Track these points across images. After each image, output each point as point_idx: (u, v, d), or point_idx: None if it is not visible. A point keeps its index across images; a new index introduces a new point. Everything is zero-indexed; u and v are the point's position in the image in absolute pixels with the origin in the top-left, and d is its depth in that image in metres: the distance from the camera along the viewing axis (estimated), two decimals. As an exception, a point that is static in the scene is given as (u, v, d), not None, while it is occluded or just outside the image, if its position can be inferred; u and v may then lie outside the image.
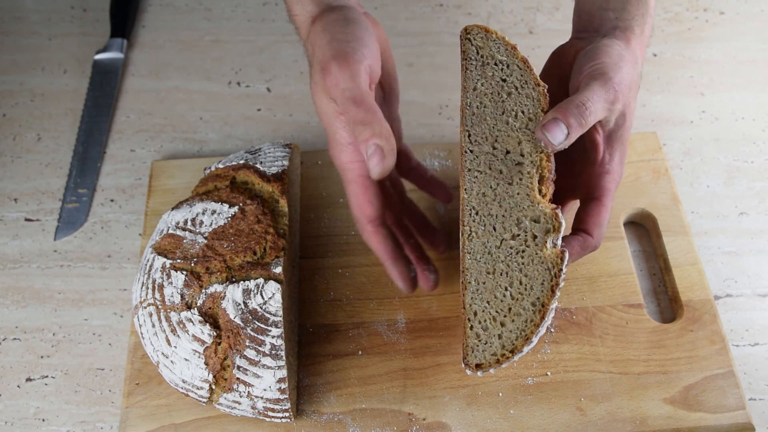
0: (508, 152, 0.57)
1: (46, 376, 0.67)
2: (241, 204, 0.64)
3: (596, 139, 0.60)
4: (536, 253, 0.55)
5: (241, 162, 0.68)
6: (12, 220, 0.76)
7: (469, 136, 0.57)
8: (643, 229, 0.76)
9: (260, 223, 0.63)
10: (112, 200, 0.78)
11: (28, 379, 0.67)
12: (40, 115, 0.84)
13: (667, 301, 0.71)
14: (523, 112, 0.58)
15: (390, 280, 0.70)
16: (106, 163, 0.80)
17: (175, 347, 0.59)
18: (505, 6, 0.94)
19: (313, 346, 0.67)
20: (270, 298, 0.58)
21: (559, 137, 0.55)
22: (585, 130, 0.55)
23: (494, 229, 0.56)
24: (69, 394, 0.66)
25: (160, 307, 0.60)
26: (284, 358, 0.57)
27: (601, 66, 0.57)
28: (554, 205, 0.57)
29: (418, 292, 0.69)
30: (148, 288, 0.61)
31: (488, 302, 0.55)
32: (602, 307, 0.69)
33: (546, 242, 0.56)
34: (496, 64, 0.60)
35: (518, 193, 0.56)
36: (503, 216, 0.56)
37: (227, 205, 0.64)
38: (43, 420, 0.65)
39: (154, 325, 0.60)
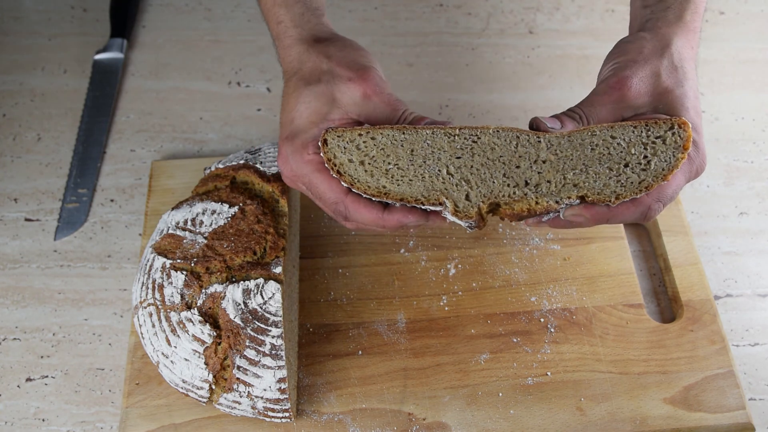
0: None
1: (46, 376, 0.67)
2: (241, 204, 0.64)
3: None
4: None
5: (241, 162, 0.68)
6: (12, 220, 0.76)
7: None
8: (643, 229, 0.76)
9: (260, 223, 0.63)
10: (112, 200, 0.78)
11: (28, 379, 0.67)
12: (40, 115, 0.84)
13: (667, 301, 0.71)
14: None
15: (390, 280, 0.70)
16: (106, 163, 0.80)
17: (175, 347, 0.59)
18: (505, 6, 0.94)
19: (313, 346, 0.67)
20: (270, 298, 0.58)
21: (554, 125, 0.55)
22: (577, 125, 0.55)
23: None
24: (69, 394, 0.66)
25: (160, 307, 0.60)
26: (284, 358, 0.57)
27: (613, 67, 0.56)
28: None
29: (418, 292, 0.69)
30: (148, 288, 0.61)
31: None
32: (602, 307, 0.69)
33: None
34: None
35: None
36: None
37: (227, 205, 0.64)
38: (43, 420, 0.65)
39: (154, 325, 0.60)
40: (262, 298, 0.58)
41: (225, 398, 0.59)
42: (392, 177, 0.54)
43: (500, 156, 0.54)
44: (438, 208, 0.54)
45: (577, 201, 0.53)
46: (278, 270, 0.60)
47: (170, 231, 0.64)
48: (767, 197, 0.78)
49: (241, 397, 0.58)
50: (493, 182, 0.54)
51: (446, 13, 0.94)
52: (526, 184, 0.53)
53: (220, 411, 0.62)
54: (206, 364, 0.58)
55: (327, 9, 0.64)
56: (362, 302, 0.69)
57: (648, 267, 0.73)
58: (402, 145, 0.54)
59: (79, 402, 0.66)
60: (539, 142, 0.53)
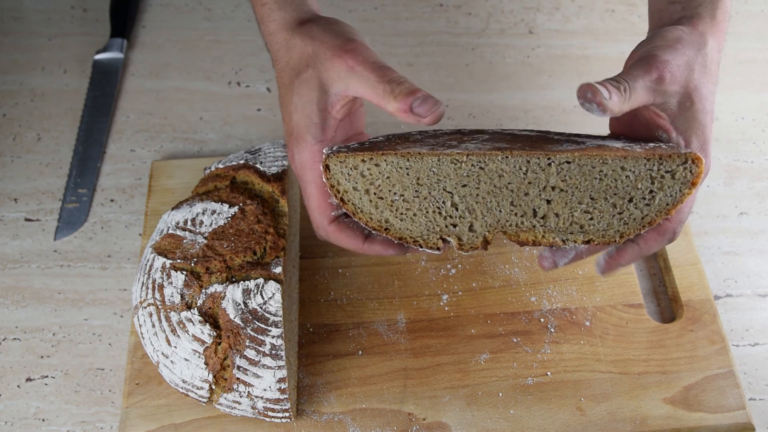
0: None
1: (46, 376, 0.67)
2: (241, 204, 0.64)
3: (662, 123, 0.54)
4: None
5: (241, 162, 0.68)
6: (12, 220, 0.76)
7: None
8: (643, 229, 0.76)
9: (260, 223, 0.63)
10: (112, 200, 0.78)
11: (28, 379, 0.67)
12: (40, 115, 0.84)
13: (667, 301, 0.71)
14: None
15: (390, 280, 0.70)
16: (106, 163, 0.80)
17: (175, 347, 0.59)
18: (505, 6, 0.94)
19: (313, 346, 0.67)
20: (270, 298, 0.58)
21: (602, 95, 0.49)
22: (627, 102, 0.50)
23: None
24: (69, 394, 0.66)
25: (160, 307, 0.60)
26: (284, 358, 0.57)
27: (651, 48, 0.53)
28: None
29: (418, 292, 0.69)
30: (148, 288, 0.61)
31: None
32: (602, 307, 0.69)
33: None
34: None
35: None
36: None
37: (227, 205, 0.64)
38: (43, 420, 0.65)
39: (154, 325, 0.60)
40: (262, 298, 0.58)
41: (225, 398, 0.59)
42: (397, 210, 0.53)
43: (508, 183, 0.52)
44: (435, 252, 0.54)
45: (583, 246, 0.53)
46: (278, 270, 0.60)
47: (170, 231, 0.64)
48: (767, 197, 0.78)
49: (241, 397, 0.58)
50: (500, 211, 0.53)
51: (446, 13, 0.94)
52: (534, 214, 0.52)
53: (220, 411, 0.62)
54: (206, 364, 0.58)
55: (327, 9, 0.64)
56: (362, 302, 0.69)
57: (648, 267, 0.73)
58: (407, 174, 0.52)
59: (79, 402, 0.66)
60: (549, 166, 0.51)
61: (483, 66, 0.89)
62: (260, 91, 0.86)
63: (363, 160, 0.52)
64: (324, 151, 0.53)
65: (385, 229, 0.53)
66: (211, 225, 0.63)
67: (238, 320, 0.58)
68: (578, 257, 0.57)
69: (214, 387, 0.59)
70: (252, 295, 0.58)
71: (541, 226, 0.53)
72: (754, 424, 0.63)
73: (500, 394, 0.64)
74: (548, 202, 0.52)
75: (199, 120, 0.84)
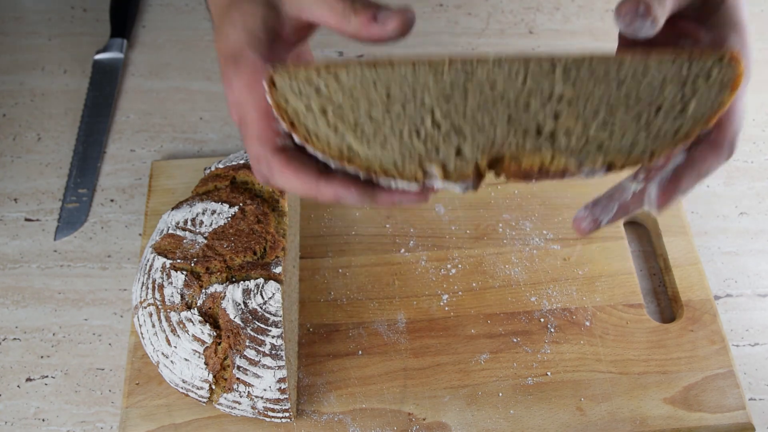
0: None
1: (46, 376, 0.67)
2: (241, 204, 0.64)
3: (685, 25, 0.46)
4: None
5: (241, 162, 0.68)
6: (12, 220, 0.76)
7: None
8: (643, 229, 0.76)
9: (260, 223, 0.63)
10: (112, 200, 0.78)
11: (28, 379, 0.67)
12: (40, 115, 0.84)
13: (667, 301, 0.71)
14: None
15: (390, 280, 0.70)
16: (106, 163, 0.80)
17: (175, 347, 0.59)
18: (505, 6, 0.94)
19: (313, 346, 0.67)
20: (270, 298, 0.58)
21: (653, 6, 0.41)
22: (664, 11, 0.42)
23: None
24: (69, 394, 0.66)
25: (160, 307, 0.60)
26: (284, 358, 0.57)
27: None
28: None
29: (418, 292, 0.69)
30: (148, 288, 0.61)
31: None
32: (602, 307, 0.69)
33: None
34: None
35: None
36: None
37: (227, 205, 0.64)
38: (43, 420, 0.65)
39: (154, 325, 0.60)
40: (262, 298, 0.58)
41: (225, 398, 0.59)
42: (362, 133, 0.42)
43: (503, 94, 0.42)
44: (414, 187, 0.42)
45: (603, 169, 0.42)
46: (278, 270, 0.60)
47: (170, 231, 0.64)
48: (767, 197, 0.78)
49: (241, 397, 0.58)
50: (495, 130, 0.42)
51: (446, 13, 0.94)
52: (539, 132, 0.42)
53: (220, 411, 0.62)
54: (206, 364, 0.58)
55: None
56: (362, 302, 0.69)
57: (648, 267, 0.73)
58: (375, 86, 0.42)
59: (79, 402, 0.66)
60: (554, 71, 0.42)
61: (483, 66, 0.89)
62: (260, 91, 0.86)
63: (319, 72, 0.42)
64: (267, 68, 0.43)
65: (348, 159, 0.42)
66: (211, 225, 0.63)
67: (238, 320, 0.58)
68: (623, 211, 0.47)
69: (214, 387, 0.59)
70: (252, 295, 0.58)
71: (549, 146, 0.41)
72: (754, 424, 0.63)
73: (500, 394, 0.64)
74: (556, 116, 0.42)
75: (199, 120, 0.84)
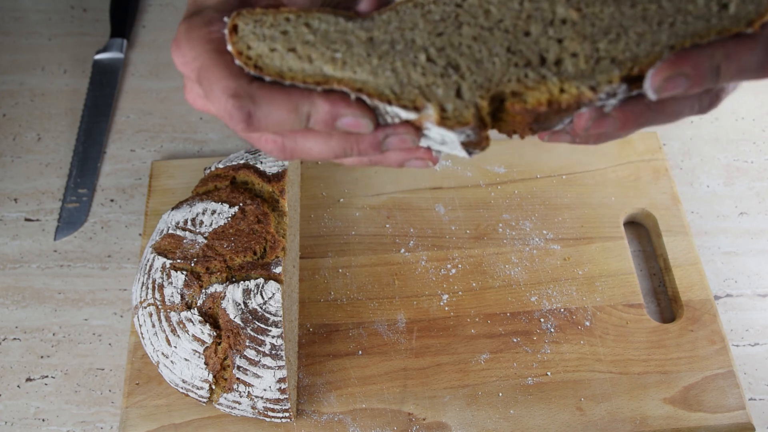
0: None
1: (46, 376, 0.67)
2: (241, 204, 0.64)
3: None
4: None
5: (242, 162, 0.68)
6: (12, 220, 0.76)
7: None
8: (643, 229, 0.76)
9: (260, 223, 0.63)
10: (112, 200, 0.78)
11: (28, 379, 0.67)
12: (40, 115, 0.84)
13: (667, 301, 0.71)
14: None
15: (390, 280, 0.70)
16: (106, 163, 0.80)
17: (175, 347, 0.59)
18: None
19: (313, 346, 0.67)
20: (270, 298, 0.58)
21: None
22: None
23: None
24: (69, 394, 0.66)
25: (160, 307, 0.60)
26: (284, 358, 0.57)
27: None
28: None
29: (418, 292, 0.69)
30: (148, 288, 0.61)
31: None
32: (602, 307, 0.69)
33: None
34: None
35: None
36: None
37: (227, 205, 0.64)
38: (43, 420, 0.65)
39: (154, 325, 0.60)
40: (262, 298, 0.58)
41: (225, 398, 0.59)
42: (344, 64, 0.37)
43: (499, 21, 0.38)
44: (413, 115, 0.37)
45: (624, 86, 0.36)
46: (278, 270, 0.60)
47: (170, 231, 0.64)
48: (767, 197, 0.78)
49: (241, 397, 0.58)
50: (494, 63, 0.37)
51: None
52: (542, 61, 0.37)
53: (220, 411, 0.62)
54: (206, 364, 0.58)
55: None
56: (362, 302, 0.69)
57: (648, 267, 0.73)
58: (353, 33, 0.38)
59: (79, 402, 0.66)
60: None
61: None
62: (260, 91, 0.86)
63: (287, 18, 0.39)
64: (225, 19, 0.40)
65: (336, 81, 0.37)
66: (211, 225, 0.63)
67: (238, 320, 0.58)
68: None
69: (214, 387, 0.59)
70: (252, 295, 0.58)
71: (555, 74, 0.37)
72: (754, 424, 0.63)
73: (500, 394, 0.64)
74: (559, 41, 0.37)
75: (199, 120, 0.84)
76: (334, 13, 0.39)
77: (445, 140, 0.39)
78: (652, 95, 0.36)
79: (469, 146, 0.39)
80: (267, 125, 0.38)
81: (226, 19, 0.39)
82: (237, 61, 0.38)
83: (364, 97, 0.37)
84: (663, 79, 0.35)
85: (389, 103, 0.37)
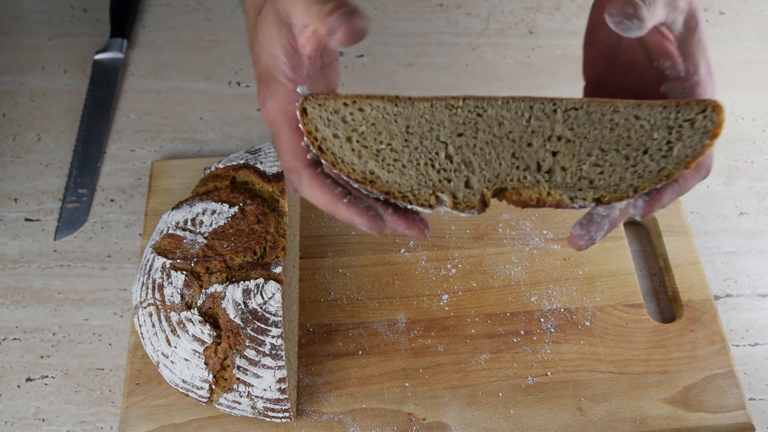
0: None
1: (46, 376, 0.67)
2: (241, 204, 0.64)
3: (668, 47, 0.49)
4: None
5: (241, 162, 0.68)
6: (12, 220, 0.76)
7: None
8: (643, 229, 0.76)
9: (260, 223, 0.63)
10: (112, 200, 0.78)
11: (28, 379, 0.67)
12: (40, 115, 0.84)
13: (667, 301, 0.71)
14: None
15: (390, 280, 0.70)
16: (106, 163, 0.80)
17: (175, 347, 0.59)
18: (505, 6, 0.94)
19: (313, 346, 0.67)
20: (270, 298, 0.58)
21: (643, 9, 0.44)
22: (651, 17, 0.45)
23: None
24: (69, 394, 0.66)
25: (160, 307, 0.60)
26: (284, 358, 0.57)
27: None
28: None
29: (418, 292, 0.69)
30: (148, 288, 0.61)
31: None
32: (602, 307, 0.69)
33: None
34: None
35: None
36: None
37: (227, 205, 0.64)
38: (43, 420, 0.65)
39: (154, 325, 0.60)
40: (262, 298, 0.58)
41: (225, 398, 0.59)
42: (383, 161, 0.47)
43: (509, 132, 0.47)
44: (427, 210, 0.47)
45: (593, 204, 0.47)
46: (278, 270, 0.60)
47: (170, 231, 0.64)
48: (767, 197, 0.78)
49: (241, 397, 0.58)
50: (500, 164, 0.47)
51: (446, 13, 0.94)
52: (539, 168, 0.47)
53: (220, 411, 0.62)
54: (206, 364, 0.58)
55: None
56: (362, 302, 0.69)
57: (648, 267, 0.73)
58: (396, 121, 0.47)
59: (79, 402, 0.66)
60: (555, 112, 0.47)
61: (483, 66, 0.89)
62: (260, 91, 0.86)
63: (345, 104, 0.47)
64: (299, 90, 0.47)
65: (371, 182, 0.47)
66: (211, 225, 0.63)
67: (238, 320, 0.58)
68: (612, 225, 0.50)
69: (214, 387, 0.59)
70: (252, 295, 0.58)
71: (546, 181, 0.47)
72: (754, 424, 0.63)
73: (500, 394, 0.64)
74: (554, 154, 0.47)
75: (199, 120, 0.84)
76: (381, 98, 0.47)
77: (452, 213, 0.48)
78: (637, 214, 0.49)
79: (471, 213, 0.49)
80: (308, 199, 0.49)
81: (299, 89, 0.47)
82: (305, 139, 0.47)
83: (390, 199, 0.47)
84: (648, 210, 0.48)
85: (410, 203, 0.47)
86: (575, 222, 0.49)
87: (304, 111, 0.46)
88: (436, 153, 0.47)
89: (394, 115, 0.47)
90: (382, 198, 0.47)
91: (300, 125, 0.47)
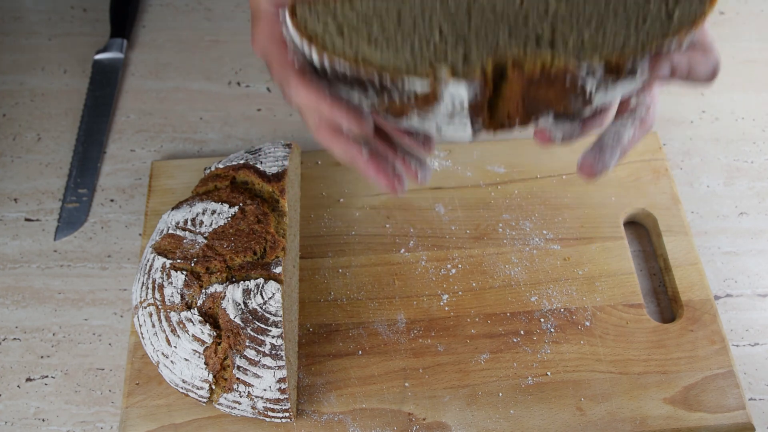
0: None
1: (46, 376, 0.67)
2: (241, 204, 0.64)
3: None
4: None
5: (241, 162, 0.68)
6: (12, 220, 0.76)
7: None
8: (643, 229, 0.76)
9: (260, 223, 0.63)
10: (112, 200, 0.78)
11: (28, 379, 0.67)
12: (40, 115, 0.84)
13: (667, 301, 0.71)
14: None
15: (390, 280, 0.70)
16: (106, 163, 0.80)
17: (175, 347, 0.59)
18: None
19: (313, 346, 0.67)
20: (270, 298, 0.58)
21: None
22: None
23: None
24: (69, 394, 0.66)
25: (160, 307, 0.60)
26: (284, 358, 0.57)
27: None
28: None
29: (418, 292, 0.69)
30: (148, 288, 0.61)
31: None
32: (602, 307, 0.69)
33: None
34: None
35: None
36: None
37: (227, 205, 0.64)
38: (43, 420, 0.65)
39: (154, 325, 0.60)
40: (262, 298, 0.58)
41: (225, 398, 0.59)
42: (376, 42, 0.46)
43: (503, 12, 0.46)
44: (427, 87, 0.44)
45: (601, 65, 0.44)
46: (278, 270, 0.60)
47: (170, 231, 0.64)
48: (767, 197, 0.78)
49: (241, 397, 0.58)
50: (497, 42, 0.45)
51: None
52: (538, 40, 0.45)
53: (220, 411, 0.62)
54: (206, 364, 0.58)
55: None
56: (362, 302, 0.69)
57: (648, 267, 0.73)
58: (386, 11, 0.47)
59: (79, 402, 0.66)
60: None
61: (483, 66, 0.89)
62: (260, 91, 0.86)
63: (335, 0, 0.47)
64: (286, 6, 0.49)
65: (363, 62, 0.45)
66: (211, 225, 0.63)
67: (238, 320, 0.58)
68: (623, 153, 0.50)
69: (214, 387, 0.59)
70: (252, 295, 0.58)
71: (548, 49, 0.45)
72: (754, 424, 0.63)
73: (500, 394, 0.64)
74: (552, 30, 0.46)
75: (199, 120, 0.84)
76: None
77: (454, 110, 0.45)
78: (644, 73, 0.46)
79: (475, 111, 0.45)
80: (301, 104, 0.48)
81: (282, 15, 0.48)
82: (295, 33, 0.47)
83: (386, 80, 0.44)
84: (654, 72, 0.46)
85: (408, 75, 0.44)
86: (584, 151, 0.49)
87: (293, 13, 0.47)
88: (430, 35, 0.46)
89: (385, 7, 0.47)
90: (376, 79, 0.45)
91: (289, 24, 0.47)
